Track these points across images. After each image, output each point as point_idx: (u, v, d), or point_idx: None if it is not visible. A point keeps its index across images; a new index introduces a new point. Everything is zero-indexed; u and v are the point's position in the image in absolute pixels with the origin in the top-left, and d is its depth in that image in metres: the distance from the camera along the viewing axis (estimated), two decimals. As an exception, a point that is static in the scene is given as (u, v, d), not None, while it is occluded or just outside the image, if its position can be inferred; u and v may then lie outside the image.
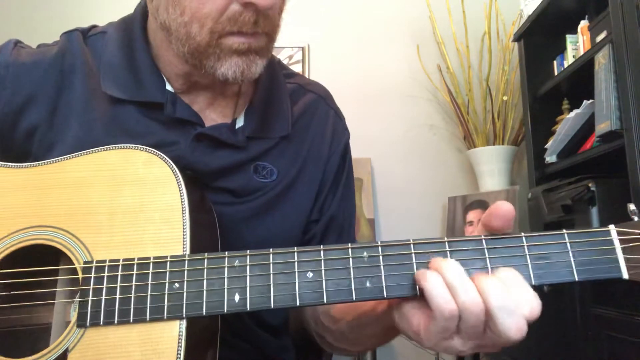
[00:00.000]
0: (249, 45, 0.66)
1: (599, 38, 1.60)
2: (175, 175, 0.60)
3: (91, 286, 0.55)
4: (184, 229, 0.57)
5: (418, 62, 2.50)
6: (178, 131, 0.72)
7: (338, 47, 2.56)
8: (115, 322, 0.53)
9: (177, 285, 0.54)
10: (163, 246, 0.57)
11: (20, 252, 0.58)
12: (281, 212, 0.77)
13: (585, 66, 1.68)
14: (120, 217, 0.58)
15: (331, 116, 0.86)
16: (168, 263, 0.55)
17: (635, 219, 0.53)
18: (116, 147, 0.62)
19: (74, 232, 0.58)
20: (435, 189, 2.44)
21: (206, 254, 0.55)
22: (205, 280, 0.54)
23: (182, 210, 0.58)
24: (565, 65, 1.89)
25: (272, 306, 0.52)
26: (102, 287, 0.55)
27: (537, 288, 0.51)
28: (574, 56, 1.87)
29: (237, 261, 0.54)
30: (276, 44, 0.71)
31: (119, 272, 0.55)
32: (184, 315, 0.53)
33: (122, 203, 0.59)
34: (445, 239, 0.53)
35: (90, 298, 0.54)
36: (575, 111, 1.72)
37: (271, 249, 0.54)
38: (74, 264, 0.57)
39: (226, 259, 0.54)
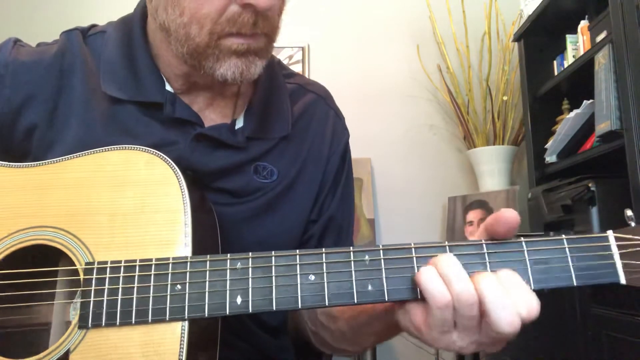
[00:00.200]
0: (248, 46, 0.66)
1: (599, 38, 1.60)
2: (176, 176, 0.60)
3: (93, 287, 0.55)
4: (185, 230, 0.57)
5: (418, 62, 2.50)
6: (177, 131, 0.72)
7: (338, 47, 2.55)
8: (117, 323, 0.53)
9: (179, 287, 0.54)
10: (165, 247, 0.57)
11: (20, 252, 0.58)
12: (281, 212, 0.77)
13: (585, 66, 1.68)
14: (121, 218, 0.58)
15: (331, 116, 0.86)
16: (170, 265, 0.55)
17: (633, 224, 0.54)
18: (117, 147, 0.62)
19: (75, 233, 0.58)
20: (435, 189, 2.45)
21: (208, 256, 0.55)
22: (207, 282, 0.54)
23: (184, 212, 0.58)
24: (565, 65, 1.89)
25: (274, 308, 0.52)
26: (104, 289, 0.55)
27: (537, 290, 0.51)
28: (574, 56, 1.87)
29: (239, 263, 0.54)
30: (276, 44, 0.71)
31: (121, 274, 0.55)
32: (186, 317, 0.53)
33: (124, 204, 0.59)
34: (446, 243, 0.53)
35: (92, 299, 0.54)
36: (575, 111, 1.72)
37: (273, 252, 0.54)
38: (74, 265, 0.56)
39: (228, 261, 0.54)
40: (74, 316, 0.60)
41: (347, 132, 0.88)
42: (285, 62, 2.14)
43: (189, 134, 0.72)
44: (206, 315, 0.53)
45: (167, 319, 0.53)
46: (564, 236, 0.53)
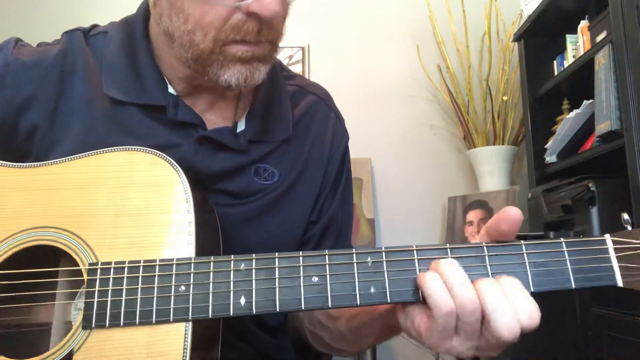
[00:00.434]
0: (252, 53, 0.66)
1: (599, 38, 1.61)
2: (180, 177, 0.60)
3: (97, 288, 0.55)
4: (189, 230, 0.58)
5: (418, 62, 2.50)
6: (180, 133, 0.72)
7: (338, 47, 2.56)
8: (121, 324, 0.54)
9: (183, 288, 0.54)
10: (168, 248, 0.57)
11: (22, 252, 0.58)
12: (282, 213, 0.77)
13: (585, 66, 1.68)
14: (125, 218, 0.58)
15: (332, 118, 0.87)
16: (174, 266, 0.55)
17: (629, 228, 0.55)
18: (121, 148, 0.62)
19: (78, 234, 0.58)
20: (435, 189, 2.45)
21: (212, 257, 0.55)
22: (211, 283, 0.54)
23: (188, 212, 0.59)
24: (565, 65, 1.90)
25: (278, 309, 0.52)
26: (108, 289, 0.55)
27: (538, 294, 0.52)
28: (574, 56, 1.87)
29: (242, 265, 0.54)
30: (276, 45, 0.71)
31: (125, 274, 0.55)
32: (190, 318, 0.53)
33: (127, 205, 0.59)
34: (448, 245, 0.54)
35: (95, 300, 0.54)
36: (575, 111, 1.72)
37: (277, 253, 0.55)
38: (78, 266, 0.57)
39: (232, 262, 0.54)
40: (75, 316, 0.60)
41: (347, 134, 0.89)
42: (285, 62, 2.14)
43: (192, 136, 0.72)
44: (210, 316, 0.53)
45: (171, 319, 0.53)
46: (562, 240, 0.54)
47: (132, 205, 0.59)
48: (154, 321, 0.53)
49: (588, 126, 1.71)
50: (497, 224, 0.54)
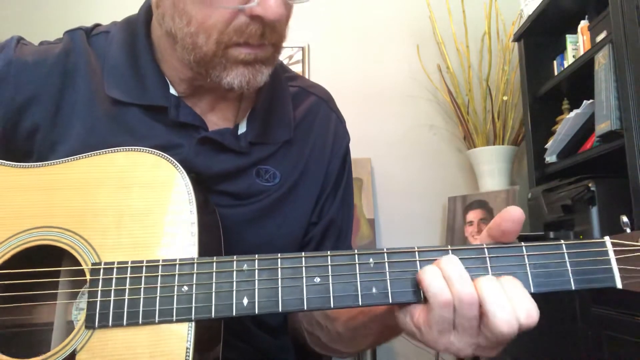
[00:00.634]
0: (255, 55, 0.66)
1: (599, 38, 1.61)
2: (182, 177, 0.60)
3: (99, 288, 0.55)
4: (192, 231, 0.58)
5: (418, 62, 2.50)
6: (182, 134, 0.72)
7: (338, 47, 2.56)
8: (124, 323, 0.54)
9: (186, 288, 0.54)
10: (171, 248, 0.57)
11: (25, 252, 0.58)
12: (283, 215, 0.77)
13: (585, 66, 1.69)
14: (128, 219, 0.58)
15: (333, 119, 0.87)
16: (177, 266, 0.55)
17: (628, 230, 0.56)
18: (123, 149, 0.62)
19: (81, 234, 0.58)
20: (435, 189, 2.45)
21: (215, 257, 0.55)
22: (214, 284, 0.54)
23: (190, 213, 0.59)
24: (565, 65, 1.90)
25: (280, 310, 0.53)
26: (111, 289, 0.55)
27: (538, 295, 0.53)
28: (574, 56, 1.88)
29: (245, 265, 0.54)
30: (276, 44, 0.71)
31: (128, 274, 0.55)
32: (193, 318, 0.53)
33: (130, 205, 0.59)
34: (449, 247, 0.55)
35: (98, 299, 0.55)
36: (575, 111, 1.72)
37: (279, 254, 0.55)
38: (80, 265, 0.57)
39: (235, 262, 0.55)
40: (77, 316, 0.60)
41: (348, 135, 0.89)
42: (285, 62, 2.14)
43: (193, 137, 0.72)
44: (213, 316, 0.53)
45: (174, 319, 0.53)
46: (562, 241, 0.55)
47: (134, 206, 0.59)
48: (156, 321, 0.53)
49: (588, 126, 1.71)
50: (500, 224, 0.54)
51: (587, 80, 1.65)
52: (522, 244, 0.55)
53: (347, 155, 0.87)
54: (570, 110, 1.81)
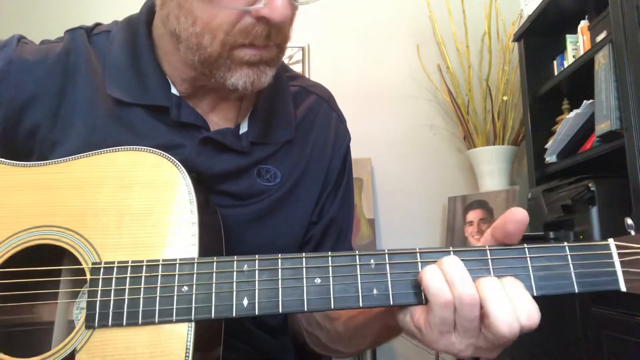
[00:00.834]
0: (260, 56, 0.66)
1: (599, 38, 1.61)
2: (184, 177, 0.60)
3: (99, 287, 0.55)
4: (192, 232, 0.58)
5: (418, 62, 2.50)
6: (183, 134, 0.72)
7: (338, 47, 2.56)
8: (124, 323, 0.54)
9: (186, 288, 0.54)
10: (172, 248, 0.57)
11: (25, 252, 0.58)
12: (284, 214, 0.77)
13: (585, 66, 1.69)
14: (128, 218, 0.58)
15: (333, 119, 0.87)
16: (177, 266, 0.55)
17: (633, 233, 0.55)
18: (124, 148, 0.62)
19: (81, 233, 0.58)
20: (435, 189, 2.45)
21: (215, 257, 0.55)
22: (214, 284, 0.54)
23: (191, 213, 0.59)
24: (565, 65, 1.90)
25: (280, 311, 0.52)
26: (111, 289, 0.55)
27: (540, 297, 0.52)
28: (574, 56, 1.88)
29: (245, 265, 0.54)
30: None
31: (128, 274, 0.55)
32: (193, 318, 0.53)
33: (131, 205, 0.59)
34: (451, 248, 0.54)
35: (98, 299, 0.55)
36: (575, 111, 1.72)
37: (280, 255, 0.55)
38: (80, 265, 0.57)
39: (235, 263, 0.54)
40: (77, 315, 0.60)
41: (349, 135, 0.89)
42: (285, 62, 2.14)
43: (195, 137, 0.72)
44: (213, 316, 0.53)
45: (174, 320, 0.53)
46: (566, 243, 0.55)
47: (135, 205, 0.59)
48: (156, 321, 0.53)
49: (588, 126, 1.71)
50: (504, 225, 0.54)
51: (587, 80, 1.65)
52: (525, 246, 0.54)
53: (348, 155, 0.87)
54: (570, 110, 1.81)
